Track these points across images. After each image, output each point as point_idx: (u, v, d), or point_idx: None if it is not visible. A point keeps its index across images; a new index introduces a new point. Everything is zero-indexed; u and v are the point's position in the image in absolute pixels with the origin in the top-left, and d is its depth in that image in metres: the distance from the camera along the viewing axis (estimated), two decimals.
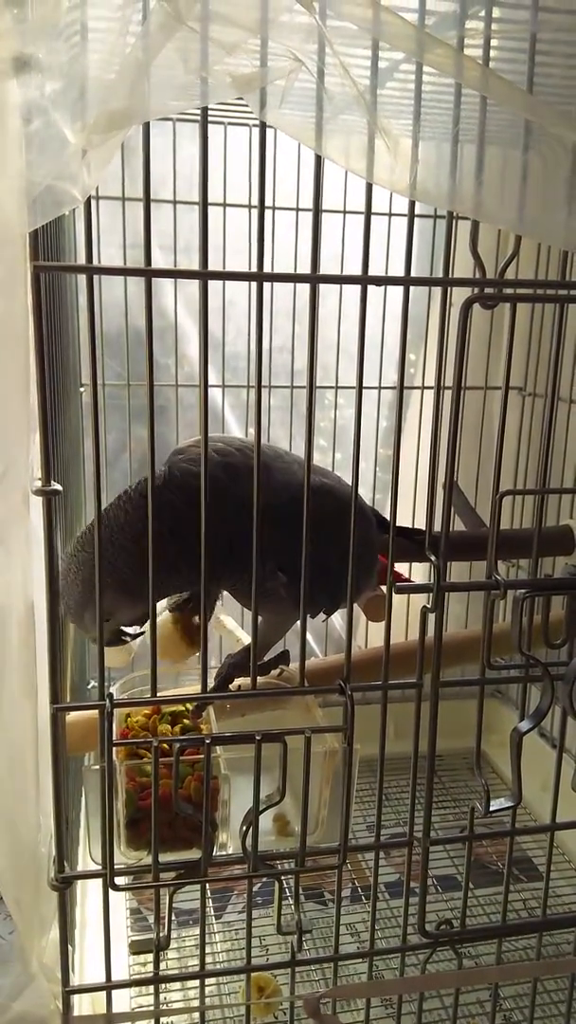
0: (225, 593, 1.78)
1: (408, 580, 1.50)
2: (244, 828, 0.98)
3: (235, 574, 1.13)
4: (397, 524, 1.11)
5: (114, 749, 0.94)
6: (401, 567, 1.59)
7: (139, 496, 1.12)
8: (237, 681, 1.19)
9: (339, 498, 1.17)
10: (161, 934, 1.00)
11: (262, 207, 0.85)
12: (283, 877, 1.02)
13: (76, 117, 0.74)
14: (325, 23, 0.75)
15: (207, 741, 0.94)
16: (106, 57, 0.74)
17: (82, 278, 0.85)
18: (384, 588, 1.06)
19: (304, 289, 0.87)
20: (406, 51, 0.78)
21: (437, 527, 1.00)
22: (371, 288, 0.89)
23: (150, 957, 1.02)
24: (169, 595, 1.29)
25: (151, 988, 1.06)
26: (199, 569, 0.94)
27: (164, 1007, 1.12)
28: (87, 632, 1.15)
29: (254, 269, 0.86)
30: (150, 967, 1.02)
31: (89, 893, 1.47)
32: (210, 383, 2.05)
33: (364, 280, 0.88)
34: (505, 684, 2.25)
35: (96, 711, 0.92)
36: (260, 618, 1.05)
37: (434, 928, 1.10)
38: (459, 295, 0.91)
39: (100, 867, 0.95)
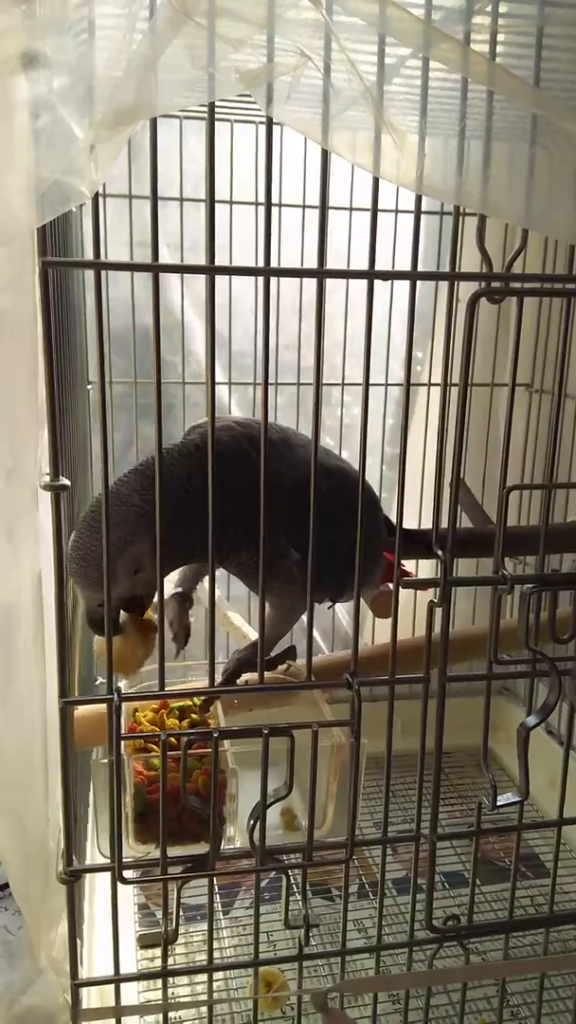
0: (232, 590, 1.78)
1: (411, 575, 1.50)
2: (251, 822, 0.98)
3: (252, 545, 1.12)
4: (402, 526, 1.10)
5: (122, 743, 0.94)
6: (408, 565, 1.59)
7: (181, 458, 1.12)
8: (244, 676, 1.19)
9: (356, 483, 1.18)
10: (169, 928, 1.00)
11: (268, 203, 0.85)
12: (290, 871, 1.03)
13: (84, 113, 0.74)
14: (332, 18, 0.75)
15: (215, 735, 0.94)
16: (113, 53, 0.74)
17: (89, 276, 0.86)
18: (391, 585, 1.06)
19: (311, 286, 0.88)
20: (413, 46, 0.78)
21: (444, 524, 1.00)
22: (377, 285, 0.89)
23: (158, 951, 1.02)
24: (186, 564, 1.26)
25: (159, 982, 1.06)
26: (227, 536, 0.96)
27: (172, 1001, 1.12)
28: (97, 591, 1.02)
29: (262, 263, 0.86)
30: (158, 961, 1.03)
31: (97, 888, 1.47)
32: (217, 380, 2.05)
33: (371, 274, 0.88)
34: (512, 681, 2.25)
35: (104, 705, 0.92)
36: (267, 610, 1.05)
37: (441, 923, 1.10)
38: (465, 291, 0.92)
39: (108, 861, 0.96)
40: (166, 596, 1.32)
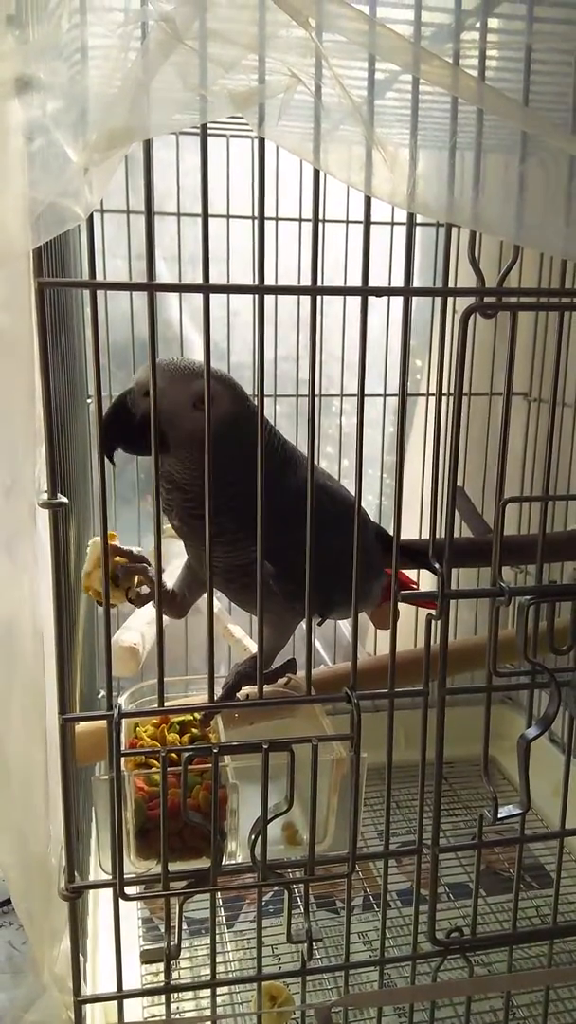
0: (233, 604, 1.78)
1: (414, 586, 1.50)
2: (253, 837, 0.98)
3: (229, 539, 1.13)
4: (400, 537, 1.10)
5: (123, 759, 0.94)
6: (410, 576, 1.59)
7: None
8: (245, 690, 1.19)
9: (338, 503, 1.19)
10: (172, 943, 1.00)
11: (262, 218, 0.86)
12: (293, 886, 1.02)
13: (78, 135, 0.75)
14: (321, 39, 0.75)
15: (215, 750, 0.94)
16: (106, 75, 0.75)
17: (87, 292, 0.86)
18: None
19: (308, 298, 0.88)
20: (401, 65, 0.78)
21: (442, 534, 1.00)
22: (373, 296, 0.90)
23: (162, 966, 1.02)
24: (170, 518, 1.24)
25: (163, 997, 1.06)
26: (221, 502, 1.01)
27: (176, 1016, 1.12)
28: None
29: (256, 281, 0.87)
30: (162, 976, 1.03)
31: (100, 903, 1.47)
32: None
33: (365, 291, 0.88)
34: (513, 691, 2.24)
35: (105, 721, 0.93)
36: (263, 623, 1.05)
37: (445, 935, 1.10)
38: (461, 302, 0.92)
39: (110, 877, 0.96)
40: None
